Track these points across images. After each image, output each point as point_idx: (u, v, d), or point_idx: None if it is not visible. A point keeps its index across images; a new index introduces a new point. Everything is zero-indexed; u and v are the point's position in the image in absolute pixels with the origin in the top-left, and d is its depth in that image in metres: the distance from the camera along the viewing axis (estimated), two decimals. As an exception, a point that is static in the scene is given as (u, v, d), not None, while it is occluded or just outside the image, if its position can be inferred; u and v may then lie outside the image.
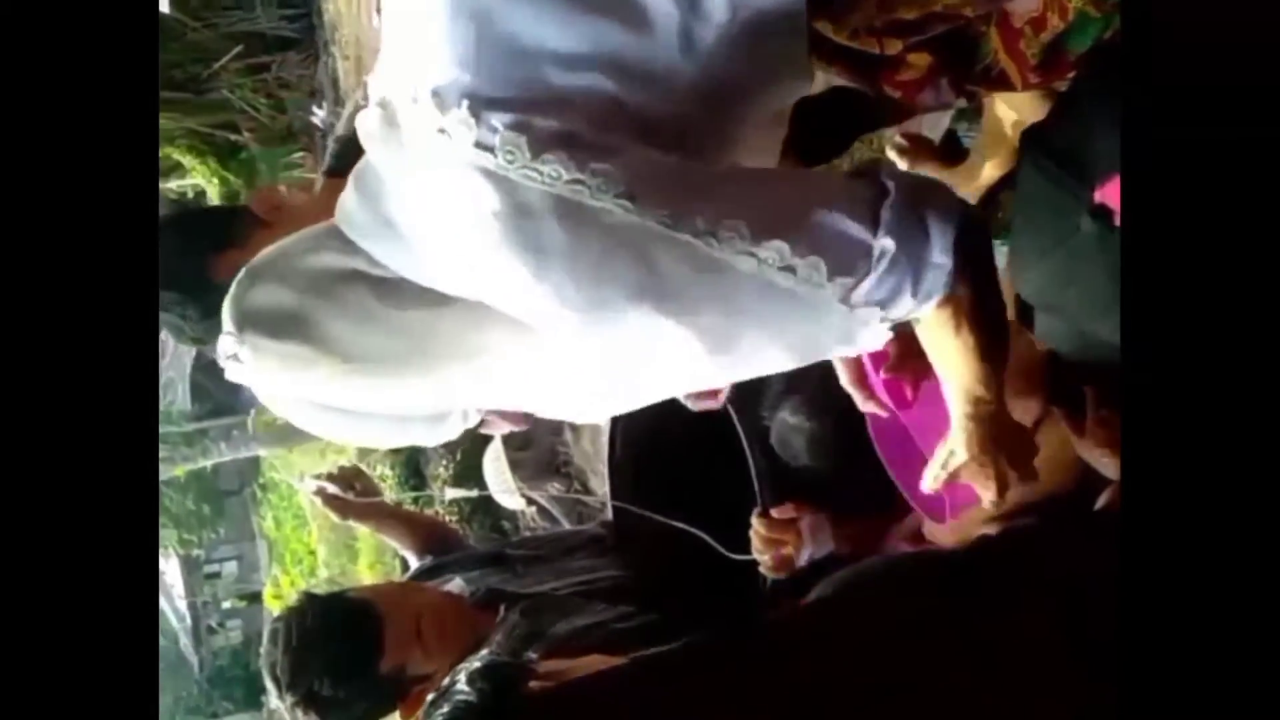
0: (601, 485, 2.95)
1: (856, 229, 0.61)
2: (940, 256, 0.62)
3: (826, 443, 1.10)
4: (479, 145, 0.59)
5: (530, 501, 3.29)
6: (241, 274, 0.72)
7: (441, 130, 0.60)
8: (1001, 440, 0.75)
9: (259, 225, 0.94)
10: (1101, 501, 0.93)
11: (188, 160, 6.09)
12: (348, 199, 0.69)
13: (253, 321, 0.70)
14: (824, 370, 1.11)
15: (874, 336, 0.64)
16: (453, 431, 0.80)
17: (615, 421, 1.58)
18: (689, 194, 0.59)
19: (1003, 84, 0.78)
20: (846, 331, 0.63)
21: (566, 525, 3.17)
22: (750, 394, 1.20)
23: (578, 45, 0.60)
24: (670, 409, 1.49)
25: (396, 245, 0.66)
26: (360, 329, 0.68)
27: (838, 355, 0.68)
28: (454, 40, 0.61)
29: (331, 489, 1.60)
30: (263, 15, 5.80)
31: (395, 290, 0.68)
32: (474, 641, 1.28)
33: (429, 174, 0.62)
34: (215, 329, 0.73)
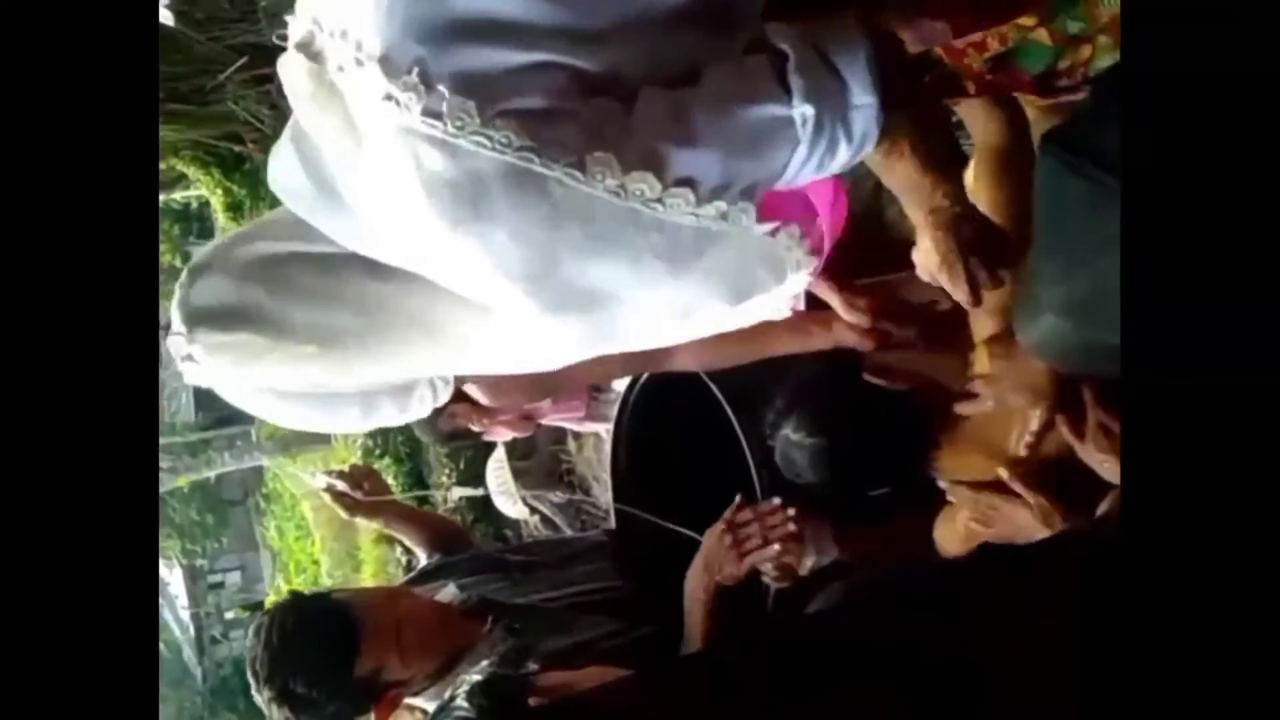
0: (604, 493, 2.95)
1: (774, 110, 0.61)
2: (862, 96, 0.62)
3: (830, 458, 1.10)
4: (427, 112, 0.57)
5: (533, 510, 3.29)
6: (183, 274, 0.72)
7: (389, 97, 0.58)
8: (974, 242, 0.77)
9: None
10: (1103, 508, 0.93)
11: (192, 171, 6.10)
12: (285, 168, 0.66)
13: (200, 318, 0.70)
14: (826, 386, 1.12)
15: (798, 269, 0.66)
16: (423, 407, 0.80)
17: (618, 431, 1.58)
18: (637, 159, 0.59)
19: (955, 86, 0.78)
20: (774, 261, 0.65)
21: (569, 533, 3.16)
22: (753, 416, 1.20)
23: (527, 16, 0.58)
24: (673, 419, 1.49)
25: (339, 215, 0.65)
26: (306, 308, 0.68)
27: (772, 292, 0.67)
28: (401, 6, 0.58)
29: (340, 486, 1.59)
30: (267, 27, 5.82)
31: (337, 265, 0.67)
32: (456, 651, 1.29)
33: (373, 140, 0.60)
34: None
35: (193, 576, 14.00)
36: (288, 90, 0.64)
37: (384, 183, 0.61)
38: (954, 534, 1.10)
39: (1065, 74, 0.78)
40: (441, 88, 0.57)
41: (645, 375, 1.52)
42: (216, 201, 6.25)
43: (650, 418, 1.55)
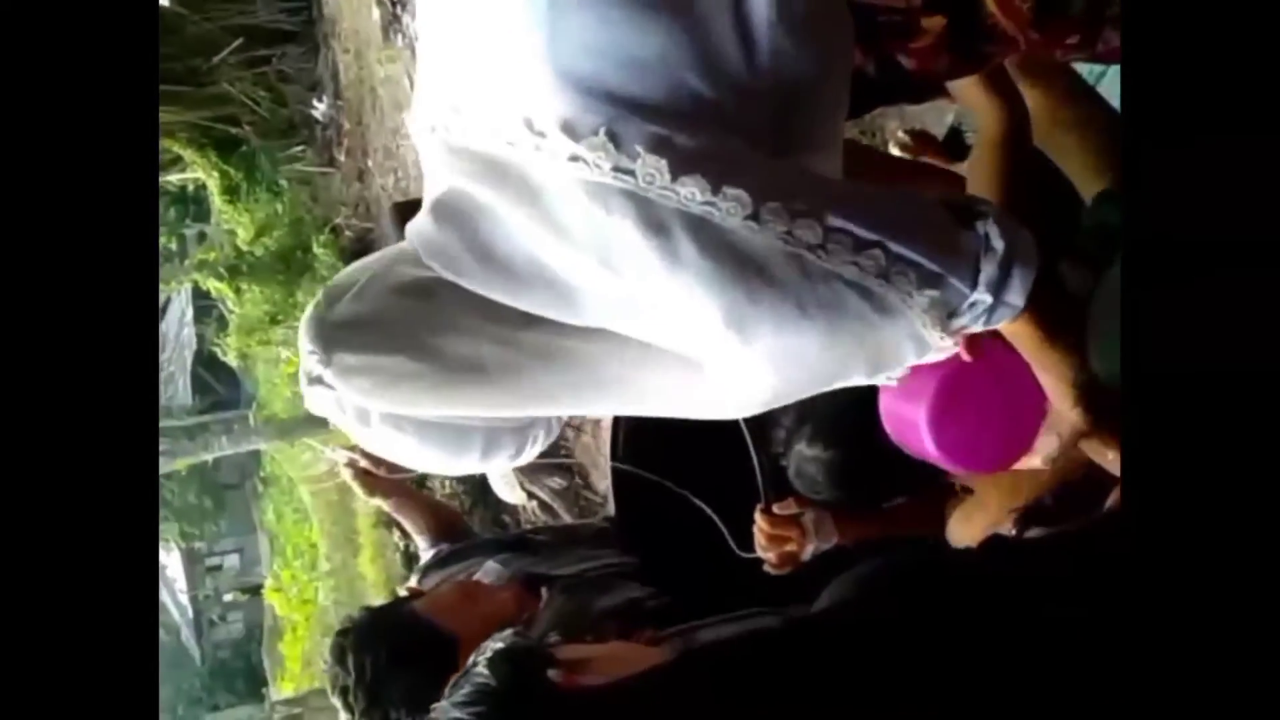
0: (602, 480, 2.95)
1: (958, 278, 0.67)
2: (1016, 299, 0.69)
3: (848, 470, 1.08)
4: (618, 170, 0.61)
5: (531, 495, 3.30)
6: (319, 297, 0.72)
7: (575, 158, 0.61)
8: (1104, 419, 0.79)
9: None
10: (1111, 500, 0.92)
11: (188, 154, 6.07)
12: (432, 236, 0.68)
13: (341, 338, 0.70)
14: (834, 397, 1.11)
15: (943, 344, 0.70)
16: (535, 448, 0.81)
17: (618, 419, 1.58)
18: (809, 210, 0.64)
19: (1008, 43, 0.77)
20: (919, 338, 0.68)
21: (567, 519, 3.17)
22: (762, 435, 1.19)
23: (680, 55, 0.62)
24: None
25: (496, 277, 0.67)
26: (454, 337, 0.69)
27: (909, 364, 0.70)
28: (568, 69, 0.62)
29: (364, 462, 1.57)
30: (262, 8, 5.78)
31: (479, 299, 0.68)
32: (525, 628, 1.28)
33: (548, 203, 0.63)
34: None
35: (191, 559, 14.05)
36: (428, 171, 0.68)
37: (558, 237, 0.64)
38: (970, 533, 1.09)
39: (1109, 3, 0.76)
40: (636, 146, 0.61)
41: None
42: (213, 184, 6.21)
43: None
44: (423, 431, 0.75)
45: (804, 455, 1.10)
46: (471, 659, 0.74)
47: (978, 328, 0.70)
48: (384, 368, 0.69)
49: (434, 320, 0.69)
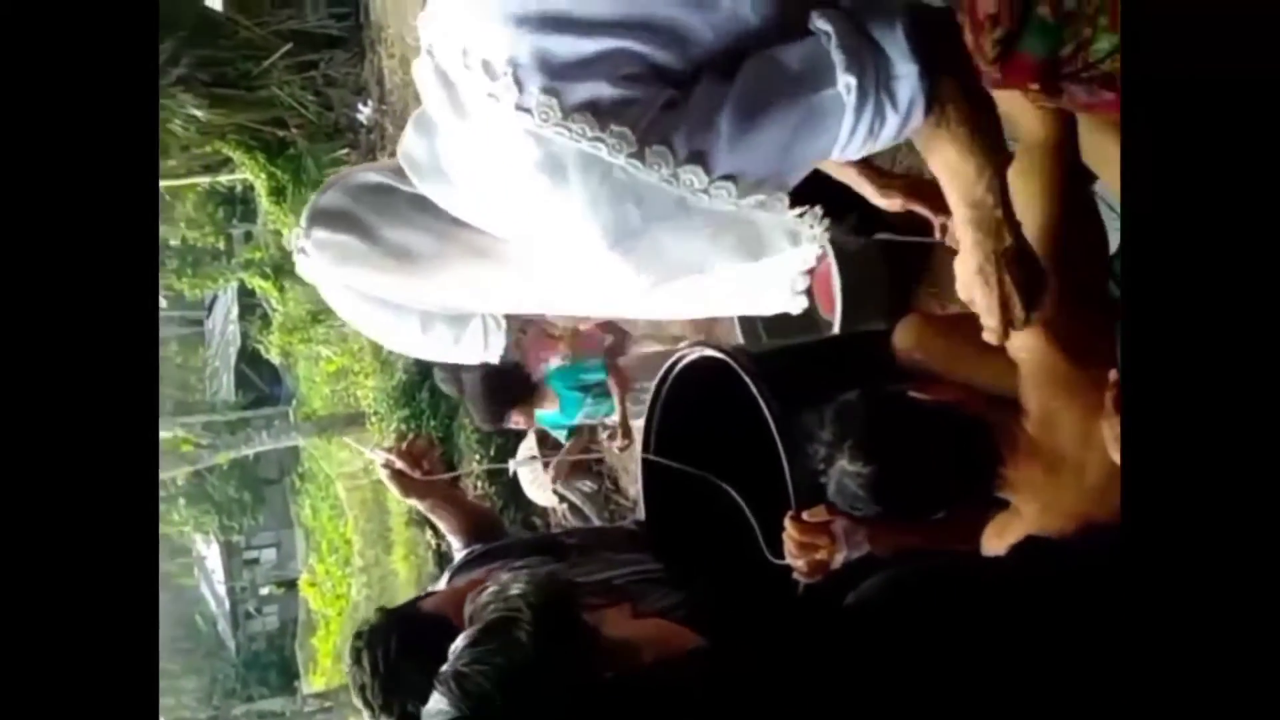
0: (632, 484, 2.96)
1: (820, 89, 0.69)
2: (902, 65, 0.68)
3: (887, 484, 1.07)
4: (519, 107, 0.70)
5: (562, 498, 3.31)
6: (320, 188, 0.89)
7: (490, 95, 0.71)
8: (1013, 256, 0.78)
9: None
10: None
11: (237, 155, 6.21)
12: (409, 141, 0.82)
13: (317, 219, 0.86)
14: (873, 412, 1.10)
15: (812, 242, 0.76)
16: (475, 342, 0.93)
17: (650, 421, 1.58)
18: (689, 154, 0.70)
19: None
20: (794, 234, 0.76)
21: (597, 522, 3.18)
22: (801, 451, 1.18)
23: (612, 12, 0.69)
24: (704, 413, 1.49)
25: (444, 185, 0.80)
26: (395, 228, 0.84)
27: (785, 254, 0.78)
28: (499, 12, 0.70)
29: (399, 464, 1.55)
30: (311, 14, 5.90)
31: (428, 203, 0.82)
32: None
33: (478, 128, 0.74)
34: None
35: (229, 552, 14.31)
36: (418, 83, 0.78)
37: (487, 162, 0.75)
38: (1003, 547, 1.07)
39: (1068, 60, 0.76)
40: (532, 87, 0.69)
41: (679, 367, 1.51)
42: (260, 185, 6.35)
43: (683, 410, 1.55)
44: (369, 304, 0.89)
45: (846, 471, 1.07)
46: (507, 580, 0.75)
47: (896, 122, 0.68)
48: (341, 244, 0.85)
49: (382, 210, 0.84)
